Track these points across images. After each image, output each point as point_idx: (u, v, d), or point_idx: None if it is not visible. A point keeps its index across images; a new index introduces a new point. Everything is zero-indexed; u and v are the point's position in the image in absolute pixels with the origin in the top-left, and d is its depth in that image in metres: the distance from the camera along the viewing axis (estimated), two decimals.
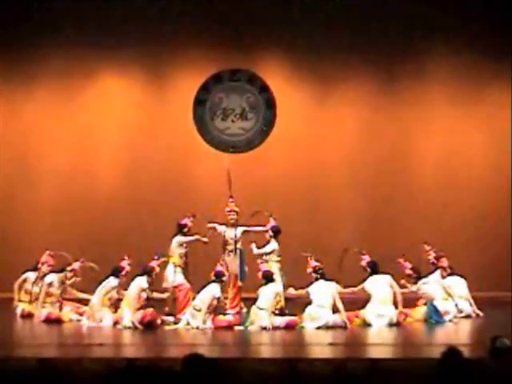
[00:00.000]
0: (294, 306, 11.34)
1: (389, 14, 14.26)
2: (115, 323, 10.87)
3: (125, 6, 14.30)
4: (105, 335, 10.28)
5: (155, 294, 11.22)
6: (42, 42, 14.30)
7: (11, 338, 10.24)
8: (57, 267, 11.79)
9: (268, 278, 10.98)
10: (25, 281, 11.97)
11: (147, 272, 10.95)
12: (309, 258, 11.17)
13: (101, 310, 11.06)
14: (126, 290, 11.07)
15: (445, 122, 14.55)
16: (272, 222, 11.82)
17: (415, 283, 11.50)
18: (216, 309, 10.86)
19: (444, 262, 12.06)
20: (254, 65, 14.68)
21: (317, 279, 10.95)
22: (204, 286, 10.88)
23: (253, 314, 10.72)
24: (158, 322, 10.86)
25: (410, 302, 11.55)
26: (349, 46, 14.30)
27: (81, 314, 11.36)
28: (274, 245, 11.72)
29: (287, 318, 10.80)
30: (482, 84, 14.54)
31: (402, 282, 11.46)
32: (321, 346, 9.45)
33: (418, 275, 11.54)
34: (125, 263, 11.29)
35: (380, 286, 11.06)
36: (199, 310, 10.66)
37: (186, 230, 11.72)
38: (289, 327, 10.62)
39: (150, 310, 10.78)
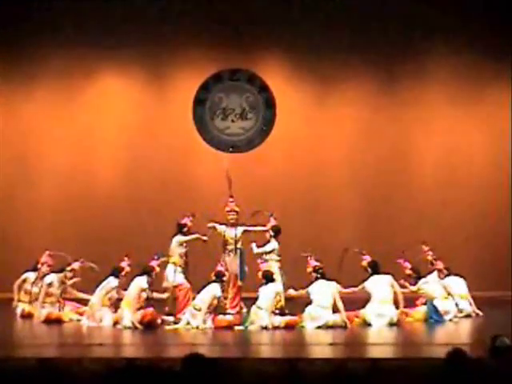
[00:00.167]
0: (294, 305, 11.33)
1: (389, 13, 14.26)
2: (115, 323, 10.87)
3: (125, 6, 14.31)
4: (105, 335, 10.28)
5: (155, 294, 11.21)
6: (42, 41, 14.31)
7: (11, 337, 10.23)
8: (57, 267, 11.78)
9: (268, 277, 10.98)
10: (25, 281, 11.96)
11: (147, 272, 10.95)
12: (309, 258, 11.17)
13: (101, 309, 11.06)
14: (125, 290, 11.06)
15: (445, 121, 14.55)
16: (272, 222, 11.83)
17: (415, 283, 11.50)
18: (216, 309, 10.86)
19: (439, 265, 12.08)
20: (253, 65, 14.68)
21: (317, 279, 10.95)
22: (204, 286, 10.88)
23: (253, 314, 10.71)
24: (158, 321, 10.86)
25: (410, 301, 11.55)
26: (349, 46, 14.30)
27: (81, 314, 11.36)
28: (274, 244, 11.72)
29: (287, 318, 10.80)
30: (482, 84, 14.54)
31: (402, 281, 11.46)
32: (321, 345, 9.43)
33: (418, 275, 11.55)
34: (125, 263, 11.30)
35: (380, 286, 11.06)
36: (199, 310, 10.66)
37: (185, 229, 11.72)
38: (289, 327, 10.63)
39: (150, 309, 10.78)
